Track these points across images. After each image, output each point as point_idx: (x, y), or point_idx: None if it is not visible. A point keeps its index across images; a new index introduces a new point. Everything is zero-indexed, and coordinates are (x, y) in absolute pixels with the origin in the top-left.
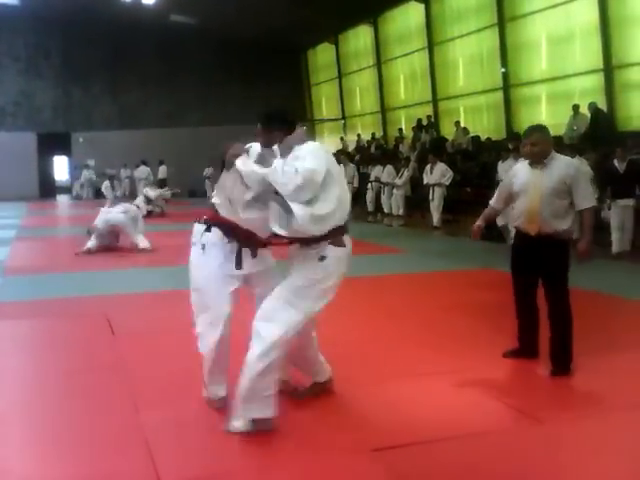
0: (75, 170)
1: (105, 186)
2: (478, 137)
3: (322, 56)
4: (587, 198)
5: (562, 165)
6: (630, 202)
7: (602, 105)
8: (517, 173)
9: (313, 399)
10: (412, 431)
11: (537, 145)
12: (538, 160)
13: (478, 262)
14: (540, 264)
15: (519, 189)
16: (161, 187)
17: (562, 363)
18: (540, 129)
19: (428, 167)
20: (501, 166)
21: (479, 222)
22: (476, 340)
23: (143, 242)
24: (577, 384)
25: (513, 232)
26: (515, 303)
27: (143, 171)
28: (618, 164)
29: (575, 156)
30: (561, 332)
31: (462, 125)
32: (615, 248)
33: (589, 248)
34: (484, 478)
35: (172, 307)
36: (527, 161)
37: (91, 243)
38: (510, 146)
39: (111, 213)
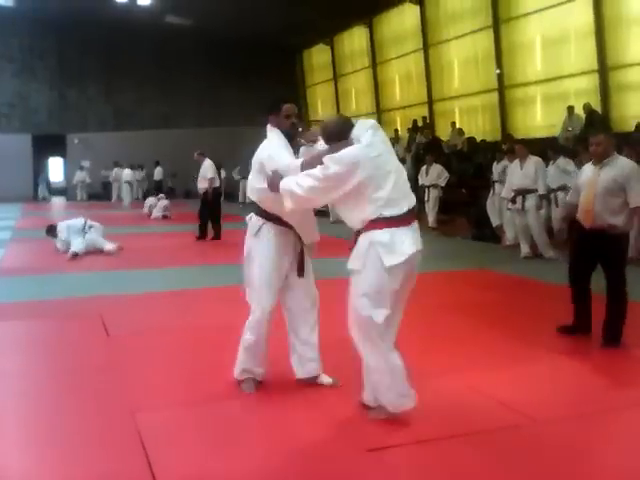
0: (81, 171)
1: (126, 190)
2: (473, 138)
3: (317, 57)
4: (638, 196)
5: (617, 165)
6: None
7: (597, 106)
8: (583, 171)
9: (308, 399)
10: (407, 431)
11: (600, 145)
12: (599, 160)
13: (473, 263)
14: (596, 255)
15: (581, 185)
16: (157, 188)
17: (614, 336)
18: (604, 131)
19: (424, 168)
20: (496, 167)
21: (562, 224)
22: (471, 340)
23: (109, 245)
24: (572, 383)
25: (508, 233)
26: (570, 287)
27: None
28: None
29: (564, 157)
30: (614, 312)
31: (457, 126)
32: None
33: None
34: (480, 477)
35: (167, 308)
36: (591, 160)
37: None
38: (504, 147)
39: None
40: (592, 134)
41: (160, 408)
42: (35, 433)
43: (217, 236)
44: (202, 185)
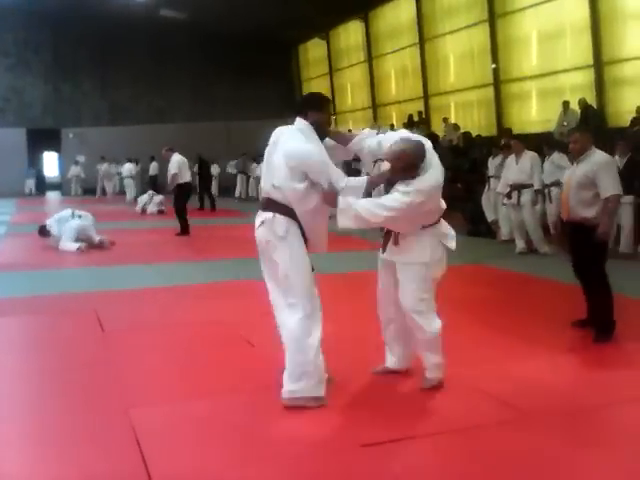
0: (76, 166)
1: (128, 184)
2: (469, 133)
3: (313, 52)
4: (606, 188)
5: (591, 160)
6: (628, 199)
7: (592, 101)
8: (570, 168)
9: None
10: (401, 426)
11: (577, 142)
12: (577, 156)
13: (469, 258)
14: (576, 246)
15: (565, 181)
16: (153, 183)
17: (600, 332)
18: (578, 130)
19: None
20: (491, 162)
21: (556, 219)
22: (466, 335)
23: (99, 236)
24: (568, 378)
25: (504, 228)
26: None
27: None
28: (618, 159)
29: (559, 153)
30: (596, 307)
31: (453, 121)
32: None
33: (605, 231)
34: (473, 473)
35: (162, 303)
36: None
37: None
38: (503, 141)
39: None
40: (569, 132)
41: (155, 404)
42: (29, 430)
43: (184, 231)
44: (171, 181)
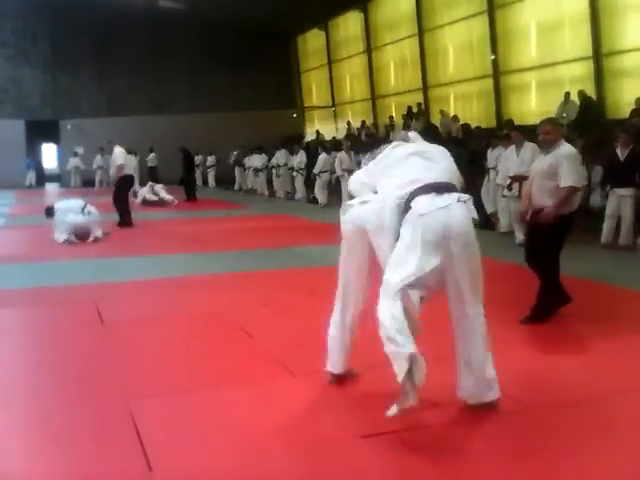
0: (75, 157)
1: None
2: (468, 125)
3: (312, 42)
4: (564, 178)
5: (556, 151)
6: (629, 192)
7: (591, 93)
8: (537, 159)
9: (295, 387)
10: (401, 418)
11: (549, 134)
12: (547, 147)
13: None
14: (534, 235)
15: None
16: (152, 174)
17: (536, 314)
18: (550, 121)
19: None
20: (491, 154)
21: (524, 207)
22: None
23: (97, 232)
24: (566, 369)
25: (503, 220)
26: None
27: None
28: (620, 151)
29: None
30: (542, 289)
31: (452, 113)
32: (604, 238)
33: (549, 213)
34: (474, 463)
35: (161, 295)
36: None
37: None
38: (505, 132)
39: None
40: (540, 124)
41: (155, 395)
42: (28, 422)
43: (124, 222)
44: (117, 173)
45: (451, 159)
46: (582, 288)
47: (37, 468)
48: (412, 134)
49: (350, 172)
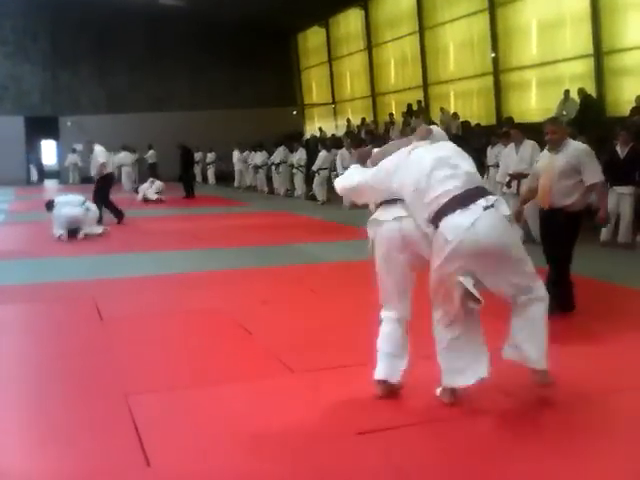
0: (74, 154)
1: (126, 172)
2: (468, 122)
3: (312, 39)
4: (592, 175)
5: (570, 149)
6: (628, 190)
7: (592, 90)
8: (541, 157)
9: (294, 383)
10: (397, 414)
11: (556, 133)
12: (555, 146)
13: None
14: (552, 232)
15: (540, 170)
16: (151, 171)
17: (563, 308)
18: (553, 121)
19: None
20: (490, 151)
21: (518, 207)
22: None
23: (98, 229)
24: (566, 366)
25: None
26: (548, 267)
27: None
28: (620, 149)
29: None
30: (567, 284)
31: (452, 110)
32: (603, 236)
33: (603, 215)
34: (471, 460)
35: (160, 291)
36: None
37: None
38: (504, 129)
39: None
40: (546, 123)
41: (153, 391)
42: (27, 417)
43: (120, 219)
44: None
45: (468, 157)
46: (581, 286)
47: (35, 464)
48: (436, 130)
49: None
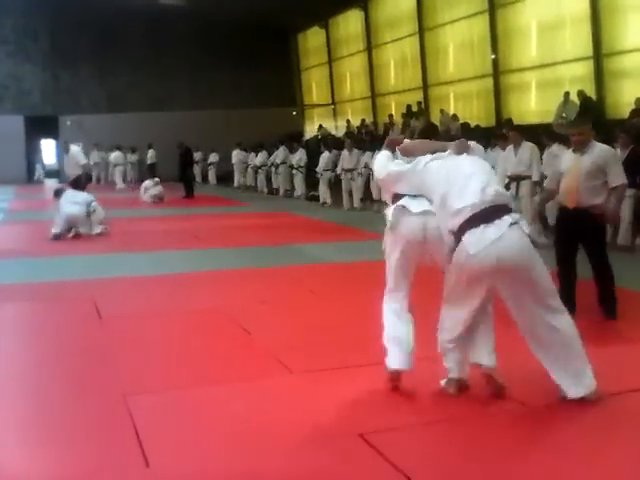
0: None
1: (119, 171)
2: (467, 124)
3: (312, 40)
4: (617, 177)
5: (596, 150)
6: (628, 192)
7: (591, 93)
8: (563, 158)
9: (293, 384)
10: (399, 415)
11: (583, 135)
12: (581, 147)
13: None
14: (578, 234)
15: (563, 171)
16: (151, 171)
17: (611, 309)
18: (583, 122)
19: None
20: (490, 153)
21: (541, 207)
22: None
23: (97, 229)
24: None
25: None
26: (558, 268)
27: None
28: (620, 152)
29: (559, 144)
30: (607, 286)
31: (452, 112)
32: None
33: (615, 215)
34: (471, 461)
35: (159, 291)
36: (571, 148)
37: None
38: (504, 131)
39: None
40: (574, 124)
41: (152, 391)
42: (25, 417)
43: None
44: (74, 171)
45: (491, 170)
46: (580, 288)
47: (34, 463)
48: (474, 145)
49: (350, 171)
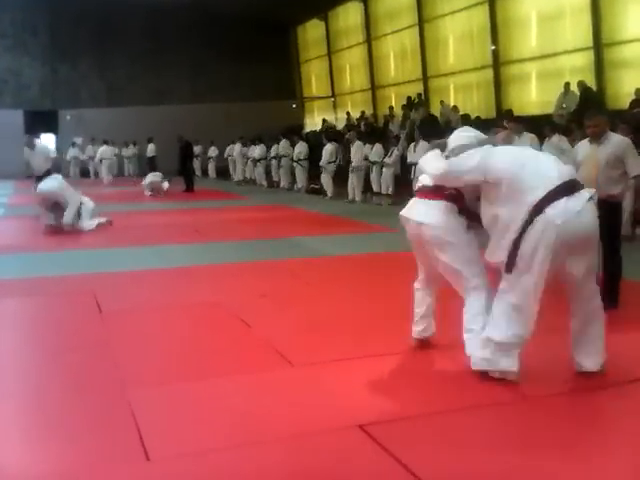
0: (73, 147)
1: (107, 165)
2: (468, 115)
3: (312, 33)
4: (636, 167)
5: (613, 141)
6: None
7: (592, 83)
8: (580, 148)
9: (294, 376)
10: (398, 406)
11: (598, 126)
12: (597, 138)
13: None
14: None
15: (581, 161)
16: (151, 164)
17: (613, 298)
18: (599, 112)
19: (412, 146)
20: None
21: None
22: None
23: (92, 222)
24: (560, 361)
25: None
26: None
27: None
28: None
29: (559, 135)
30: (615, 275)
31: (452, 103)
32: None
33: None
34: (471, 452)
35: (159, 285)
36: (587, 138)
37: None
38: (505, 123)
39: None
40: (589, 116)
41: (153, 385)
42: (26, 411)
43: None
44: (45, 165)
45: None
46: None
47: (34, 457)
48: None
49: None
